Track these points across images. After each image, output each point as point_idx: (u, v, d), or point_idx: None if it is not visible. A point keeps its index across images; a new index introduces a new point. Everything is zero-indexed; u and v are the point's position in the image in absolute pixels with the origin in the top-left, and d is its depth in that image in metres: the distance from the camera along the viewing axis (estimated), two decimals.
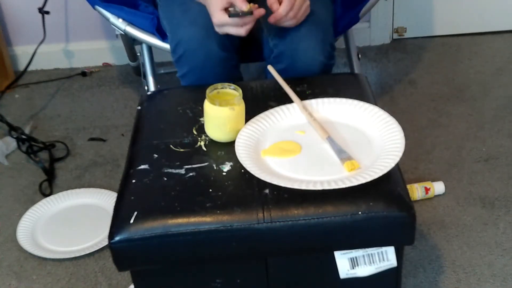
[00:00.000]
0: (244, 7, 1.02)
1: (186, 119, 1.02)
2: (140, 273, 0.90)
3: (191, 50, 1.12)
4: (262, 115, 0.99)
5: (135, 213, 0.85)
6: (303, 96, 1.02)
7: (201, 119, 1.01)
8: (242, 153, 0.92)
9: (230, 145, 0.95)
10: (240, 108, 0.95)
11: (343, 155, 0.90)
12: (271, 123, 0.98)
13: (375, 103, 1.01)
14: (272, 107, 1.01)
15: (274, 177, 0.87)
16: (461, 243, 1.24)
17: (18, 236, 1.32)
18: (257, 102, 1.03)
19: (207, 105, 0.95)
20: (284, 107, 1.01)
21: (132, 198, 0.88)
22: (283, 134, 0.97)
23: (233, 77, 1.18)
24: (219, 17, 1.04)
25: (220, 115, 0.94)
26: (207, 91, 0.95)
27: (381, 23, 1.88)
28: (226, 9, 1.05)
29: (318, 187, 0.84)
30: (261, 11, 1.04)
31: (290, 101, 1.01)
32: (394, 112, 0.97)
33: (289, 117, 0.99)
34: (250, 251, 0.86)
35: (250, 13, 1.02)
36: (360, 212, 0.83)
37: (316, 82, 1.08)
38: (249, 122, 0.98)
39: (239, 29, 1.04)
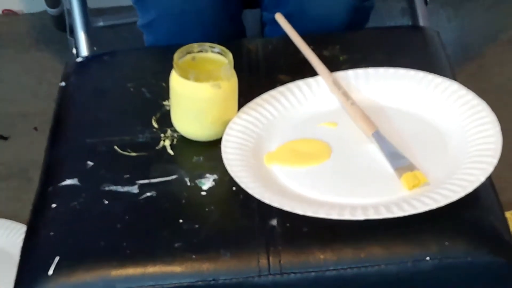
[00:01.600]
0: None
1: (141, 104, 1.03)
2: None
3: None
4: (266, 96, 0.99)
5: (57, 258, 0.85)
6: (333, 65, 1.02)
7: (166, 102, 1.01)
8: (233, 160, 0.92)
9: (214, 146, 0.95)
10: (229, 85, 0.95)
11: (400, 163, 0.90)
12: (281, 109, 0.99)
13: (453, 76, 1.01)
14: (282, 83, 1.01)
15: (285, 199, 0.87)
16: None
17: None
18: (258, 75, 1.03)
19: (175, 80, 0.95)
20: (302, 84, 1.00)
21: (52, 233, 0.88)
22: (300, 128, 0.97)
23: (231, 31, 1.19)
24: None
25: (198, 96, 0.94)
26: (176, 56, 0.95)
27: None
28: None
29: (359, 216, 0.84)
30: None
31: (312, 73, 1.01)
32: (484, 92, 0.97)
33: (310, 100, 0.99)
34: None
35: None
36: (428, 258, 0.83)
37: (354, 41, 1.09)
38: (245, 109, 0.98)
39: None
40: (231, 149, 0.94)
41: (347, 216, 0.84)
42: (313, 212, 0.85)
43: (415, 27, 1.37)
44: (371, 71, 1.01)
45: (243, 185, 0.89)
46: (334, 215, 0.84)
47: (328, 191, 0.89)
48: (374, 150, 0.93)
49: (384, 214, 0.84)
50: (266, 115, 0.98)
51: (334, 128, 0.96)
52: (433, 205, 0.84)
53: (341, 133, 0.96)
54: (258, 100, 0.99)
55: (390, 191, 0.88)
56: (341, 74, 1.01)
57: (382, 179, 0.90)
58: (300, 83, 1.01)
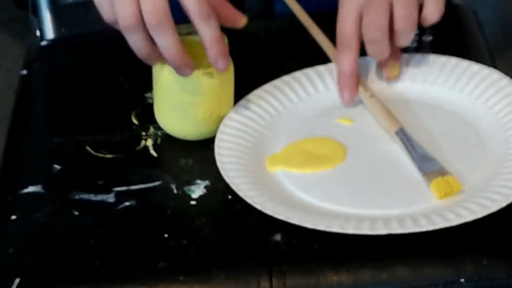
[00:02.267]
0: None
1: (118, 96, 1.04)
2: None
3: None
4: (268, 87, 1.01)
5: (17, 280, 0.86)
6: None
7: (148, 94, 1.03)
8: (228, 163, 0.93)
9: (205, 146, 0.96)
10: (224, 73, 0.96)
11: (429, 166, 0.91)
12: (286, 103, 1.00)
13: (492, 63, 1.02)
14: (288, 71, 1.03)
15: (292, 210, 0.88)
16: None
17: None
18: (260, 62, 1.05)
19: (160, 67, 0.96)
20: (312, 72, 1.02)
21: (11, 251, 0.90)
22: (310, 125, 0.98)
23: None
24: None
25: (186, 87, 0.95)
26: None
27: None
28: None
29: (380, 230, 0.85)
30: None
31: (324, 59, 1.03)
32: None
33: (321, 92, 1.01)
34: None
35: None
36: (463, 280, 0.84)
37: None
38: (243, 102, 1.00)
39: None
40: (226, 150, 0.95)
41: (365, 230, 0.85)
42: (325, 225, 0.85)
43: (447, 4, 1.39)
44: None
45: (240, 193, 0.89)
46: (350, 229, 0.85)
47: (342, 201, 0.90)
48: (397, 152, 0.93)
49: (410, 228, 0.84)
50: (268, 110, 0.99)
51: (350, 125, 0.98)
52: (469, 217, 0.84)
53: (358, 130, 0.97)
54: (259, 91, 1.01)
55: (417, 200, 0.89)
56: (359, 61, 1.01)
57: (407, 186, 0.90)
58: (309, 71, 1.02)
